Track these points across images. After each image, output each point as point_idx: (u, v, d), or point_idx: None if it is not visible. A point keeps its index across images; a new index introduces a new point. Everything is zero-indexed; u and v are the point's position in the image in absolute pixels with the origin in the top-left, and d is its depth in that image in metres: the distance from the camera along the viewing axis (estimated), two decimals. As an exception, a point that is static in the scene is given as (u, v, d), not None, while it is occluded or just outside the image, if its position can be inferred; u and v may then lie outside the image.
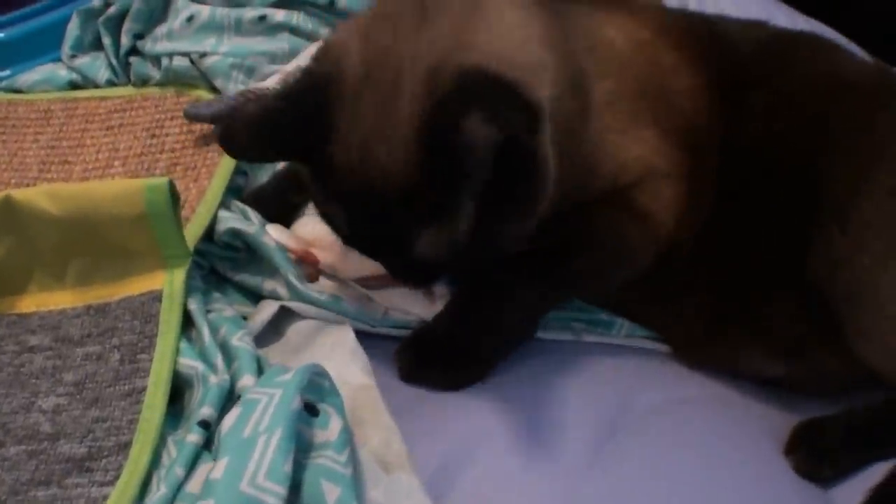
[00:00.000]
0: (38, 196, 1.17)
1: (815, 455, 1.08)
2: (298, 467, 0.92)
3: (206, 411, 1.01)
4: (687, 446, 1.06)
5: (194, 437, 0.99)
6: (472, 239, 0.98)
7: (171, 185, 1.14)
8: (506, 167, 0.93)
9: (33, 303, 1.20)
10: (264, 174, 1.40)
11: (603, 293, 1.22)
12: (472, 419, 1.07)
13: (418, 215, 0.97)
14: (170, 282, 1.16)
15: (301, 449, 0.93)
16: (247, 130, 1.01)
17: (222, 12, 1.53)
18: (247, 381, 1.04)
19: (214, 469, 0.89)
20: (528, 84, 0.98)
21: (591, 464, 1.03)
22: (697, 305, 1.20)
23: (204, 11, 1.53)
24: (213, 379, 1.04)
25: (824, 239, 1.11)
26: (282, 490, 0.87)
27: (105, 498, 0.97)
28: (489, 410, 1.08)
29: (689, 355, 1.21)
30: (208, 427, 1.00)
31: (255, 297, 1.24)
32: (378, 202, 0.97)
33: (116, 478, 0.99)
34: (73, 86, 1.62)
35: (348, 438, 0.97)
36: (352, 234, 1.04)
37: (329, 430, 0.96)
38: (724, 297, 1.19)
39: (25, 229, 1.18)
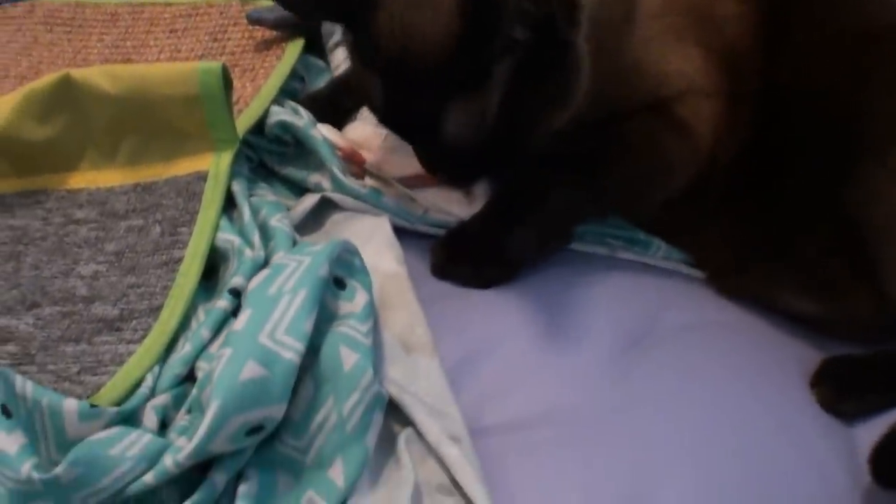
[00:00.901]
0: (97, 75, 1.18)
1: (841, 389, 1.06)
2: (320, 334, 0.92)
3: (238, 280, 1.02)
4: (710, 364, 1.05)
5: (224, 303, 1.00)
6: (500, 121, 0.99)
7: (225, 70, 1.15)
8: (541, 50, 0.95)
9: (83, 179, 1.22)
10: (321, 80, 1.40)
11: (641, 208, 1.20)
12: (496, 317, 1.07)
13: (450, 88, 0.98)
14: (216, 163, 1.16)
15: (325, 319, 0.93)
16: None
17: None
18: (279, 257, 1.03)
19: (237, 321, 0.89)
20: None
21: (612, 369, 1.02)
22: (732, 234, 1.18)
23: (271, -76, 1.53)
24: (248, 253, 1.05)
25: (863, 173, 1.09)
26: (299, 345, 0.87)
27: (130, 354, 0.98)
28: (514, 309, 1.07)
29: (721, 283, 1.18)
30: (238, 295, 1.01)
31: (300, 191, 1.23)
32: (414, 71, 0.98)
33: (144, 337, 1.00)
34: (141, -11, 1.63)
35: (372, 312, 0.97)
36: (386, 108, 1.04)
37: (354, 302, 0.96)
38: (758, 228, 1.17)
39: (82, 106, 1.19)
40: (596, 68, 1.03)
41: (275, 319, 0.88)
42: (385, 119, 1.07)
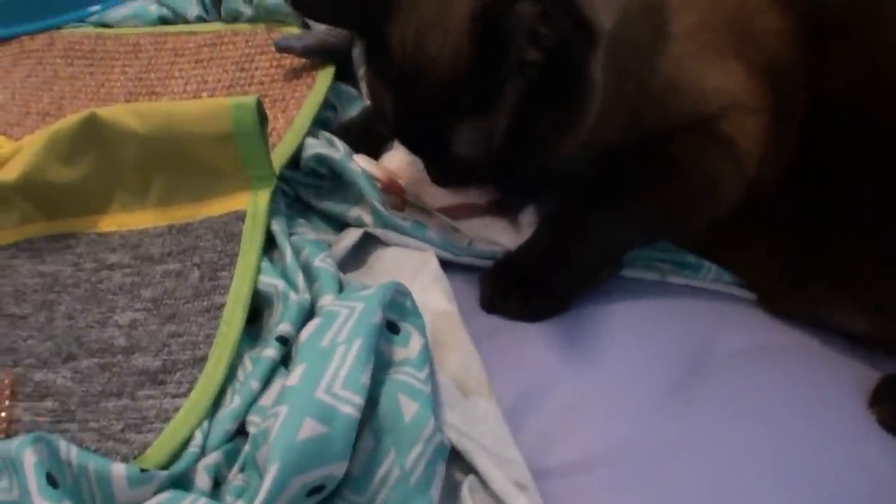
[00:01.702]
0: (124, 113, 1.14)
1: None
2: (377, 382, 0.87)
3: (285, 328, 0.97)
4: (768, 391, 1.01)
5: (271, 351, 0.96)
6: (509, 142, 0.97)
7: (259, 105, 1.10)
8: (552, 72, 0.93)
9: (114, 222, 1.17)
10: (353, 109, 1.35)
11: (689, 230, 1.15)
12: (550, 352, 1.03)
13: (460, 106, 0.96)
14: (254, 202, 1.12)
15: (380, 366, 0.89)
16: None
17: (315, -51, 1.48)
18: (327, 300, 1.00)
19: (290, 377, 0.85)
20: (588, 4, 0.95)
21: (670, 402, 0.98)
22: (782, 254, 1.13)
23: (297, -52, 1.48)
24: (293, 297, 1.00)
25: None
26: (358, 399, 0.83)
27: (177, 409, 0.94)
28: (568, 343, 1.04)
29: (773, 304, 1.14)
30: (286, 343, 0.97)
31: (339, 225, 1.19)
32: (425, 88, 0.97)
33: (190, 390, 0.96)
34: (163, 21, 1.58)
35: (428, 357, 0.92)
36: (396, 122, 1.02)
37: (409, 347, 0.92)
38: (809, 246, 1.11)
39: (110, 147, 1.15)
40: (619, 92, 1.01)
41: (331, 373, 0.84)
42: (395, 132, 1.05)
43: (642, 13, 1.05)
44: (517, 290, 1.09)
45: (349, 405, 0.82)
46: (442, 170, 1.06)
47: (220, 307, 1.03)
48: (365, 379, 0.84)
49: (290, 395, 0.83)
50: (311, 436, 0.79)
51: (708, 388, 1.01)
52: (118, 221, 1.17)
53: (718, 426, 0.96)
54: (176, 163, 1.14)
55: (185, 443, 0.91)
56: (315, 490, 0.81)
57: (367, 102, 1.34)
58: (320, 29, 1.39)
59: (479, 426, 0.91)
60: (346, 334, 0.87)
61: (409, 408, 0.85)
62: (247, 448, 0.88)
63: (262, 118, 1.11)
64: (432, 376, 0.92)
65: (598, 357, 1.03)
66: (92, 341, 1.03)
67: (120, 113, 1.14)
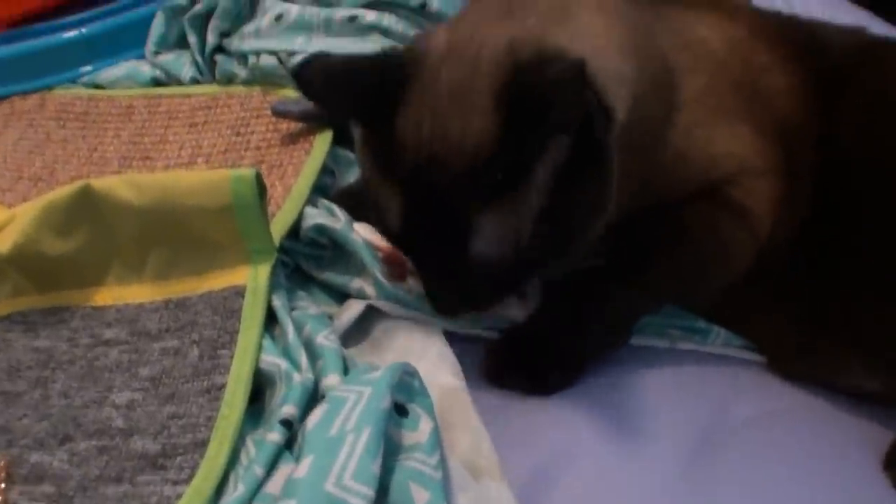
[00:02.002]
0: (119, 185, 1.11)
1: None
2: (386, 469, 0.85)
3: (289, 410, 0.94)
4: (782, 460, 1.00)
5: (275, 435, 0.92)
6: (538, 232, 0.93)
7: (258, 177, 1.07)
8: (579, 151, 0.92)
9: (110, 296, 1.14)
10: (351, 174, 1.33)
11: (701, 297, 1.14)
12: (562, 427, 1.01)
13: (483, 193, 0.92)
14: (254, 276, 1.09)
15: (389, 451, 0.86)
16: (324, 73, 0.99)
17: (312, 11, 1.46)
18: (332, 380, 0.97)
19: (298, 468, 0.83)
20: (604, 89, 0.94)
21: (684, 476, 0.97)
22: (794, 316, 1.12)
23: (293, 10, 1.47)
24: (296, 377, 0.97)
25: None
26: (369, 491, 0.80)
27: (179, 497, 0.90)
28: (580, 418, 1.02)
29: (784, 367, 1.13)
30: (290, 426, 0.93)
31: (341, 296, 1.16)
32: (442, 178, 0.92)
33: (191, 476, 0.92)
34: (157, 83, 1.56)
35: (438, 441, 0.90)
36: (406, 224, 0.97)
37: (419, 431, 0.90)
38: (821, 306, 1.11)
39: (105, 219, 1.12)
40: (630, 169, 0.99)
41: (340, 464, 0.81)
42: (402, 234, 0.99)
43: (653, 94, 1.04)
44: (527, 363, 1.07)
45: (359, 498, 0.79)
46: (453, 289, 0.99)
47: (221, 387, 1.00)
48: (375, 468, 0.82)
49: (298, 488, 0.80)
50: (320, 532, 0.77)
51: (725, 457, 1.00)
52: (114, 295, 1.14)
53: (737, 497, 0.95)
54: (173, 236, 1.11)
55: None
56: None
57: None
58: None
59: (489, 510, 0.89)
60: (355, 422, 0.85)
61: (421, 497, 0.83)
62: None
63: (262, 190, 1.08)
64: (443, 458, 0.89)
65: (612, 431, 1.01)
66: (89, 422, 1.00)
67: (115, 184, 1.11)
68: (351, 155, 1.36)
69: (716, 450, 1.00)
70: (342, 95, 0.99)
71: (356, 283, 1.14)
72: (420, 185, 0.94)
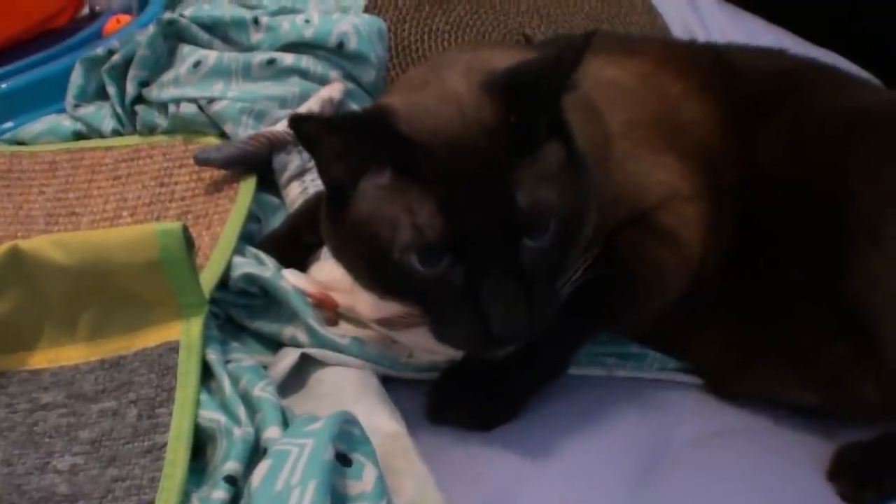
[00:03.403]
0: (46, 245, 1.10)
1: (859, 479, 1.04)
2: (334, 522, 0.85)
3: (232, 466, 0.93)
4: (728, 478, 1.02)
5: (220, 493, 0.92)
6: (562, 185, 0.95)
7: (185, 230, 1.07)
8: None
9: (44, 358, 1.12)
10: (276, 219, 1.34)
11: (638, 325, 1.16)
12: (505, 462, 1.01)
13: (510, 155, 0.93)
14: (186, 332, 1.08)
15: (335, 502, 0.86)
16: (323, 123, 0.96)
17: (230, 57, 1.47)
18: (272, 432, 0.96)
19: None
20: None
21: (635, 501, 0.98)
22: (728, 335, 1.15)
23: (211, 57, 1.47)
24: (237, 432, 0.97)
25: (858, 259, 1.06)
26: None
27: (129, 566, 0.91)
28: (523, 452, 1.02)
29: (721, 386, 1.16)
30: (235, 483, 0.93)
31: (274, 344, 1.16)
32: (469, 157, 0.92)
33: (140, 540, 0.92)
34: (78, 136, 1.55)
35: (384, 488, 0.90)
36: (450, 211, 0.92)
37: (363, 480, 0.90)
38: (755, 325, 1.13)
39: (34, 281, 1.10)
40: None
41: (289, 522, 0.82)
42: (450, 225, 0.93)
43: (585, 115, 1.06)
44: (466, 400, 1.07)
45: None
46: (517, 293, 0.93)
47: (162, 447, 0.99)
48: None
49: (250, 551, 0.80)
50: None
51: (672, 482, 1.01)
52: (48, 357, 1.12)
53: None
54: (104, 294, 1.10)
55: None
56: None
57: (290, 210, 1.33)
58: (239, 138, 1.38)
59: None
60: (300, 476, 0.85)
61: None
62: None
63: (189, 242, 1.08)
64: (390, 505, 0.91)
65: (555, 464, 1.01)
66: (33, 489, 0.98)
67: (43, 245, 1.10)
68: (276, 200, 1.37)
69: (661, 474, 1.02)
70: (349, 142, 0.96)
71: (288, 331, 1.14)
72: (455, 172, 0.92)
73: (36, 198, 1.43)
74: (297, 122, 0.93)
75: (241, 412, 1.00)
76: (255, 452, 0.96)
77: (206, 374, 1.07)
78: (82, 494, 0.97)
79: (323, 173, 1.00)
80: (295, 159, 1.35)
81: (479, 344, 0.96)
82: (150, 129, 1.49)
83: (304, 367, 1.12)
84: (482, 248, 0.92)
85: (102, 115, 1.54)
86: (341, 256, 1.04)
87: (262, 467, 0.88)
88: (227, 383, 1.04)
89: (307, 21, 1.49)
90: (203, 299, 1.10)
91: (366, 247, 0.96)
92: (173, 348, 1.08)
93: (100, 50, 1.56)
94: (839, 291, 1.07)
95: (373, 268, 0.98)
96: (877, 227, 1.05)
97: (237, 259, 1.19)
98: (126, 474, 0.98)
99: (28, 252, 1.10)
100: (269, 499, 0.84)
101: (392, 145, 0.93)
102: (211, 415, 1.00)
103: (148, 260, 1.07)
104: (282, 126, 1.36)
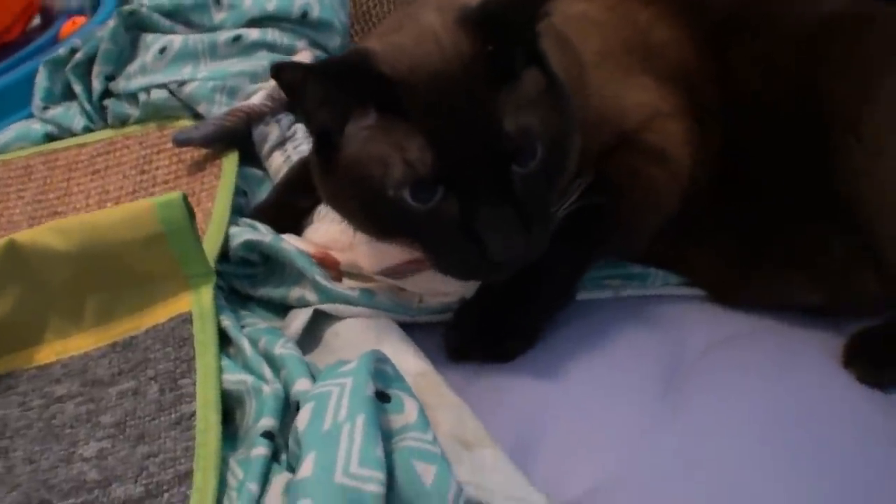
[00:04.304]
0: (44, 234, 1.02)
1: (875, 362, 1.00)
2: (384, 454, 0.78)
3: (267, 422, 0.87)
4: (748, 375, 0.98)
5: (261, 450, 0.85)
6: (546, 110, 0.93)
7: (185, 199, 1.00)
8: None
9: (52, 352, 1.05)
10: (262, 191, 1.27)
11: (637, 244, 1.11)
12: (532, 389, 0.97)
13: (493, 83, 0.90)
14: (197, 302, 1.01)
15: (382, 436, 0.80)
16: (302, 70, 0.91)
17: (195, 39, 1.39)
18: (302, 384, 0.90)
19: (301, 469, 0.76)
20: None
21: (660, 411, 0.94)
22: (727, 249, 1.11)
23: (176, 41, 1.40)
24: (266, 389, 0.90)
25: (843, 157, 1.03)
26: (379, 475, 0.75)
27: (176, 532, 0.83)
28: (547, 377, 0.98)
29: (725, 296, 1.11)
30: (273, 438, 0.87)
31: (281, 310, 1.10)
32: (454, 88, 0.89)
33: (184, 511, 0.85)
34: (49, 138, 1.46)
35: (427, 419, 0.84)
36: (439, 143, 0.89)
37: (405, 413, 0.84)
38: (752, 236, 1.09)
39: (34, 273, 1.03)
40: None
41: (343, 455, 0.75)
42: (441, 156, 0.90)
43: (561, 51, 1.02)
44: (484, 335, 1.02)
45: (372, 483, 0.74)
46: (509, 215, 0.90)
47: (191, 416, 0.92)
48: (379, 452, 0.77)
49: (307, 487, 0.74)
50: (344, 524, 0.71)
51: (694, 386, 0.97)
52: (56, 350, 1.05)
53: (709, 424, 0.92)
54: (108, 276, 1.03)
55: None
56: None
57: (275, 180, 1.27)
58: (215, 115, 1.31)
59: (493, 476, 0.84)
60: (346, 412, 0.79)
61: (427, 472, 0.78)
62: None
63: (190, 213, 1.01)
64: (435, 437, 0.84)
65: (578, 384, 0.97)
66: (62, 482, 0.91)
67: (40, 234, 1.02)
68: (259, 172, 1.30)
69: (682, 380, 0.98)
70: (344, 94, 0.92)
71: (295, 293, 1.08)
72: (439, 105, 0.89)
73: (15, 203, 1.34)
74: (278, 70, 0.90)
75: (266, 371, 0.94)
76: (287, 409, 0.90)
77: (223, 341, 1.00)
78: (115, 477, 0.89)
79: (309, 121, 0.97)
80: (274, 129, 1.29)
81: (480, 271, 0.94)
82: (123, 121, 1.42)
83: (318, 325, 1.06)
84: (473, 178, 0.90)
85: (72, 114, 1.46)
86: (335, 203, 1.00)
87: (305, 411, 0.82)
88: (246, 345, 0.98)
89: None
90: (210, 268, 1.03)
91: (358, 189, 0.93)
92: (185, 320, 1.01)
93: (62, 50, 1.49)
94: (830, 192, 1.04)
95: (367, 209, 0.95)
96: (856, 125, 1.02)
97: (234, 229, 1.12)
98: (158, 449, 0.91)
99: (25, 244, 1.02)
100: (319, 438, 0.78)
101: (374, 86, 0.89)
102: (236, 377, 0.94)
103: (150, 234, 1.00)
104: (257, 99, 1.30)
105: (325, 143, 0.96)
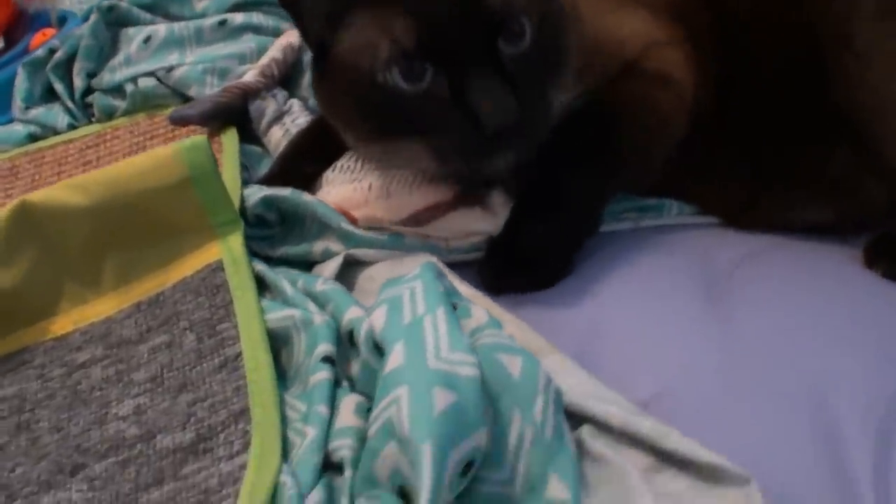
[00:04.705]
0: (61, 192, 0.94)
1: None
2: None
3: (326, 348, 0.80)
4: (783, 280, 0.95)
5: (324, 373, 0.78)
6: None
7: (208, 144, 0.94)
8: None
9: (69, 321, 0.96)
10: (262, 166, 1.20)
11: (650, 170, 1.07)
12: (580, 309, 0.92)
13: None
14: (227, 249, 0.94)
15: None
16: None
17: (180, 26, 1.34)
18: (353, 313, 0.83)
19: (389, 360, 0.69)
20: None
21: (711, 316, 0.90)
22: (734, 172, 1.07)
23: (161, 29, 1.34)
24: (317, 319, 0.83)
25: (836, 66, 1.01)
26: (471, 358, 0.69)
27: (242, 467, 0.75)
28: (590, 297, 0.93)
29: (737, 220, 1.08)
30: (333, 363, 0.80)
31: (303, 267, 1.01)
32: None
33: (246, 445, 0.76)
34: (34, 138, 1.38)
35: (498, 320, 0.79)
36: (422, 18, 0.87)
37: (474, 316, 0.79)
38: (758, 157, 1.06)
39: (49, 234, 0.95)
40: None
41: (431, 342, 0.70)
42: (420, 40, 0.87)
43: None
44: (520, 265, 0.96)
45: (467, 366, 0.68)
46: (497, 83, 0.88)
47: (236, 357, 0.85)
48: (466, 339, 0.70)
49: (402, 375, 0.67)
50: (445, 407, 0.65)
51: (733, 291, 0.94)
52: (73, 319, 0.96)
53: (756, 326, 0.88)
54: (130, 231, 0.95)
55: (273, 495, 0.71)
56: (466, 467, 0.65)
57: (275, 155, 1.21)
58: (210, 93, 1.24)
59: (566, 379, 0.77)
60: (424, 306, 0.73)
61: (514, 363, 0.72)
62: (347, 473, 0.71)
63: (213, 158, 0.95)
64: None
65: (623, 305, 0.92)
66: (96, 443, 0.82)
67: (55, 192, 0.94)
68: (258, 149, 1.23)
69: (724, 286, 0.95)
70: None
71: (319, 247, 1.00)
72: None
73: (3, 202, 1.24)
74: None
75: (312, 305, 0.87)
76: (340, 341, 0.83)
77: (260, 286, 0.93)
78: (158, 429, 0.82)
79: (306, 34, 0.96)
80: (271, 104, 1.22)
81: (476, 151, 0.90)
82: (109, 115, 1.34)
83: (347, 274, 0.98)
84: (460, 52, 0.88)
85: (55, 113, 1.38)
86: (332, 109, 0.99)
87: (380, 313, 0.75)
88: (286, 284, 0.91)
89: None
90: (237, 214, 0.96)
91: (352, 84, 0.92)
92: (216, 268, 0.94)
93: (40, 51, 1.41)
94: (828, 106, 1.02)
95: (362, 105, 0.92)
96: (847, 34, 1.00)
97: (248, 190, 1.04)
98: (204, 394, 0.83)
99: (39, 205, 0.94)
100: (402, 330, 0.72)
101: None
102: (280, 314, 0.87)
103: (178, 179, 0.94)
104: (249, 76, 1.24)
105: (322, 55, 0.95)
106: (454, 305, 0.78)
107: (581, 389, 0.76)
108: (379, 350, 0.74)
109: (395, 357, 0.68)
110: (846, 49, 1.00)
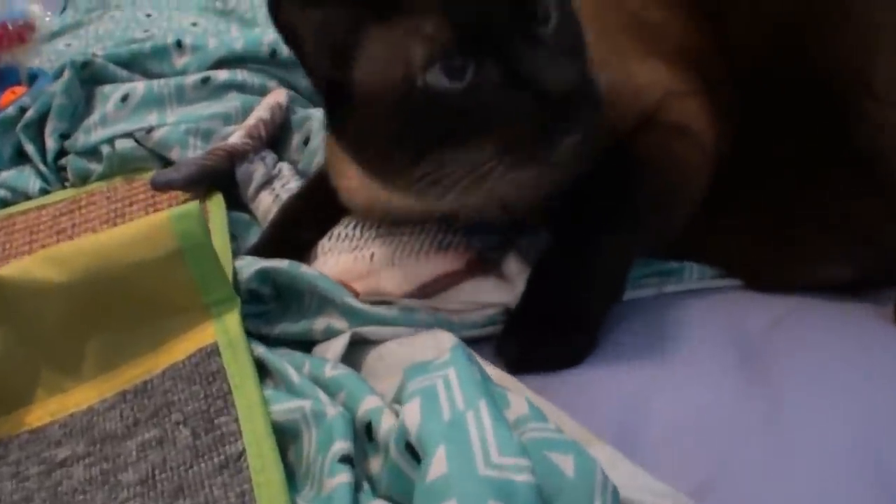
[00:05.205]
0: (35, 265, 0.82)
1: None
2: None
3: (343, 445, 0.68)
4: (818, 347, 0.87)
5: (343, 476, 0.66)
6: None
7: (201, 213, 0.82)
8: None
9: (46, 412, 0.83)
10: (251, 234, 1.08)
11: (674, 227, 0.98)
12: (609, 388, 0.82)
13: None
14: (223, 330, 0.82)
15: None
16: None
17: (160, 83, 1.22)
18: (370, 403, 0.71)
19: (431, 468, 0.58)
20: None
21: (752, 386, 0.81)
22: (758, 226, 0.99)
23: (139, 87, 1.22)
24: (330, 411, 0.71)
25: (857, 112, 0.94)
26: (524, 461, 0.58)
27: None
28: (623, 372, 0.83)
29: (760, 280, 0.99)
30: (352, 464, 0.68)
31: (301, 348, 0.89)
32: None
33: (252, 560, 0.65)
34: (4, 203, 1.25)
35: (540, 410, 0.68)
36: (452, 11, 0.79)
37: (513, 406, 0.68)
38: (779, 207, 0.98)
39: (23, 315, 0.83)
40: None
41: (478, 444, 0.59)
42: (458, 32, 0.79)
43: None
44: (543, 341, 0.86)
45: (522, 472, 0.57)
46: (544, 52, 0.80)
47: (239, 457, 0.72)
48: (517, 438, 0.60)
49: (451, 486, 0.56)
50: (498, 520, 0.53)
51: (767, 357, 0.85)
52: (50, 410, 0.83)
53: (807, 386, 0.81)
54: (114, 311, 0.83)
55: None
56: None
57: (264, 223, 1.09)
58: (193, 155, 1.12)
59: (612, 473, 0.67)
60: (463, 400, 0.62)
61: (566, 462, 0.61)
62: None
63: (206, 229, 0.83)
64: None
65: (663, 380, 0.82)
66: (81, 556, 0.70)
67: (30, 267, 0.82)
68: (245, 216, 1.12)
69: (758, 355, 0.86)
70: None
71: (320, 324, 0.88)
72: None
73: (-28, 274, 1.10)
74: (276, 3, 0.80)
75: (322, 395, 0.75)
76: (356, 435, 0.71)
77: (260, 373, 0.80)
78: (153, 540, 0.69)
79: (312, 72, 0.85)
80: (259, 167, 1.10)
81: (543, 127, 0.79)
82: (84, 179, 1.22)
83: (353, 353, 0.86)
84: (502, 36, 0.79)
85: (26, 176, 1.25)
86: (363, 148, 0.86)
87: (414, 408, 0.63)
88: (291, 371, 0.78)
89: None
90: (232, 291, 0.84)
91: (385, 105, 0.81)
92: (211, 352, 0.81)
93: (10, 109, 1.28)
94: (851, 151, 0.95)
95: (402, 123, 0.81)
96: (866, 77, 0.94)
97: (240, 262, 0.92)
98: (203, 500, 0.71)
99: (12, 280, 0.82)
100: (443, 430, 0.60)
101: None
102: (287, 405, 0.74)
103: (167, 251, 0.81)
104: (235, 138, 1.12)
105: (334, 95, 0.84)
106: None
107: (633, 483, 0.66)
108: (412, 452, 0.63)
109: (439, 464, 0.57)
110: (865, 93, 0.93)
